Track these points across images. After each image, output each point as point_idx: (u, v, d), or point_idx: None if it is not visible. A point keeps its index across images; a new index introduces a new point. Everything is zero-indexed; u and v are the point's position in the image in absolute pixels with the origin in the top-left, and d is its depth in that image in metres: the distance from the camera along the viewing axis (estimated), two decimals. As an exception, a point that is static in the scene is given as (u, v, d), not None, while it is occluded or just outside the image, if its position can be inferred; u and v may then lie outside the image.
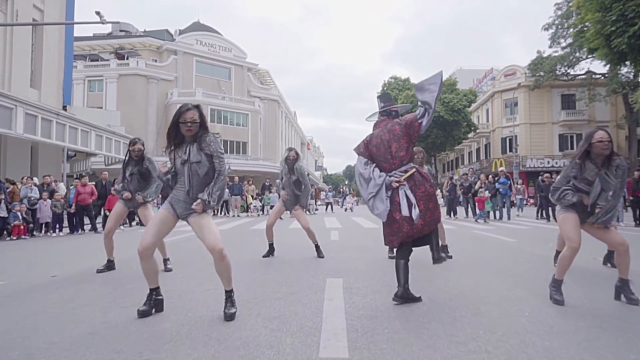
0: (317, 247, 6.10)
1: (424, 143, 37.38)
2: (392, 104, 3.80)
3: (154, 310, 3.18)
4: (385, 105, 3.77)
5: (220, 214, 18.57)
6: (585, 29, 14.91)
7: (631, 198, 12.42)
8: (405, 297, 3.39)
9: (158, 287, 3.24)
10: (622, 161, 3.45)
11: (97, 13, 12.29)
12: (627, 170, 3.52)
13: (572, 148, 36.96)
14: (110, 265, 5.24)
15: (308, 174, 6.00)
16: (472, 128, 39.24)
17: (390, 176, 3.47)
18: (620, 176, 3.39)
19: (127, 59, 41.51)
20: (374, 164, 3.58)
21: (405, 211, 3.35)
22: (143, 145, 5.10)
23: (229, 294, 3.13)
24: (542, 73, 35.04)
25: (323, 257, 5.87)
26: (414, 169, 3.50)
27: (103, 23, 12.71)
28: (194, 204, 3.07)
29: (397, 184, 3.42)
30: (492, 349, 2.42)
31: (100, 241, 5.56)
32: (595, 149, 3.38)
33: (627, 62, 13.23)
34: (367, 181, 3.51)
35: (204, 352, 2.36)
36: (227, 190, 17.94)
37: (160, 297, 3.25)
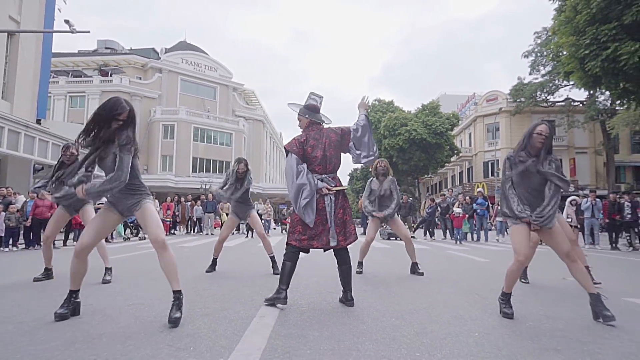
0: (272, 259, 5.80)
1: (407, 165, 37.42)
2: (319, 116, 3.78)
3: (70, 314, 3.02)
4: (317, 115, 3.74)
5: (193, 231, 18.01)
6: (561, 53, 15.06)
7: (607, 221, 12.32)
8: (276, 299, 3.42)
9: (79, 290, 3.12)
10: (556, 158, 3.34)
11: (67, 22, 11.98)
12: (560, 165, 3.37)
13: (552, 173, 37.37)
14: (48, 274, 5.03)
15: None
16: (455, 152, 39.45)
17: (321, 180, 3.48)
18: (553, 169, 3.26)
19: (111, 76, 41.20)
20: (305, 165, 3.47)
21: (330, 221, 3.42)
22: (77, 150, 4.81)
23: (176, 295, 2.96)
24: (522, 99, 35.59)
25: (278, 274, 5.49)
26: (347, 186, 3.58)
27: (73, 32, 12.38)
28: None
29: (327, 191, 3.45)
30: (424, 373, 2.08)
31: (65, 255, 5.13)
32: (532, 140, 3.30)
33: (602, 86, 13.33)
34: (300, 184, 3.35)
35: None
36: (200, 207, 17.45)
37: (78, 300, 3.13)
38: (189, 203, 17.84)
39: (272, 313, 3.24)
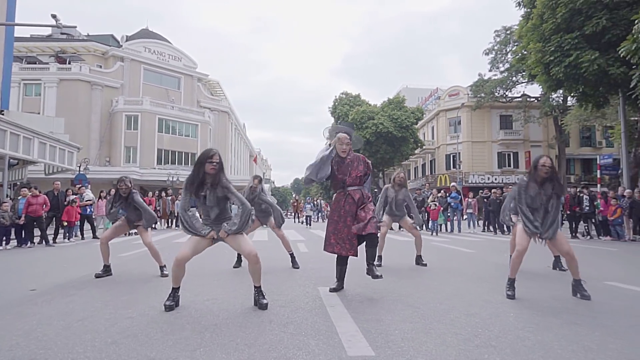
0: (292, 255, 6.38)
1: (373, 158, 38.48)
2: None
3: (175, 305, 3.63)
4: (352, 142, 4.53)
5: (175, 226, 18.08)
6: (526, 56, 16.25)
7: (568, 212, 13.61)
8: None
9: (179, 287, 3.72)
10: (559, 182, 4.20)
11: (54, 16, 11.74)
12: (563, 189, 4.31)
13: (509, 165, 39.58)
14: (107, 270, 5.54)
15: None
16: (419, 144, 40.92)
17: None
18: (556, 194, 4.14)
19: (69, 63, 39.56)
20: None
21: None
22: (130, 182, 5.61)
23: (258, 289, 3.72)
24: (483, 94, 37.40)
25: (298, 268, 6.06)
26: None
27: (60, 27, 12.13)
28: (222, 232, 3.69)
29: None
30: (496, 343, 2.72)
31: (65, 253, 5.44)
32: (538, 172, 4.15)
33: (564, 89, 14.59)
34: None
35: (237, 355, 2.46)
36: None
37: (179, 295, 3.72)
38: (170, 198, 17.89)
39: (337, 302, 3.81)
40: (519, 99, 37.53)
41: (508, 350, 2.60)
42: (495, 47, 35.60)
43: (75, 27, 19.04)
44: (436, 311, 3.55)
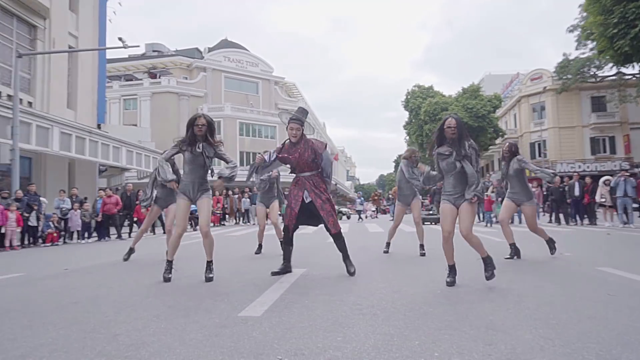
0: (281, 243, 6.55)
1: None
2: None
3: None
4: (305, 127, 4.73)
5: (242, 222, 19.40)
6: (592, 32, 14.93)
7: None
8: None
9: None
10: (472, 142, 3.85)
11: (120, 39, 13.51)
12: (478, 150, 3.94)
13: (604, 151, 35.96)
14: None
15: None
16: (499, 134, 38.80)
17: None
18: (472, 153, 3.78)
19: (160, 77, 43.66)
20: None
21: None
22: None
23: (209, 264, 4.31)
24: (569, 76, 34.43)
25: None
26: None
27: (125, 47, 13.92)
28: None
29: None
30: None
31: (126, 245, 6.37)
32: (445, 133, 3.83)
33: (633, 63, 13.17)
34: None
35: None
36: (247, 200, 18.77)
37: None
38: (237, 196, 19.22)
39: (288, 279, 4.20)
40: (613, 78, 33.91)
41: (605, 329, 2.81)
42: (581, 23, 32.53)
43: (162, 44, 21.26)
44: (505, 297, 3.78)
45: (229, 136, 42.35)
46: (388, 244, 6.70)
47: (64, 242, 11.52)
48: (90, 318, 2.92)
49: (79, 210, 11.78)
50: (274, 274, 4.48)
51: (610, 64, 31.26)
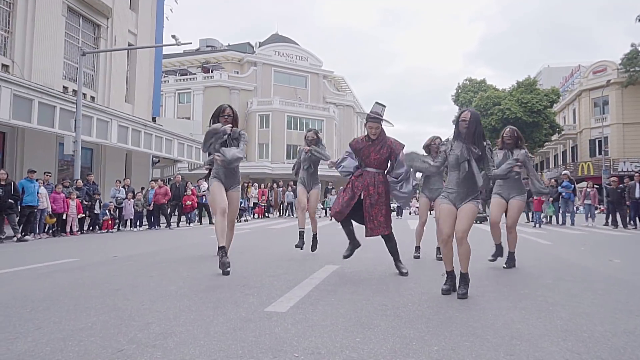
0: (314, 237, 6.27)
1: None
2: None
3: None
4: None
5: (285, 214, 19.73)
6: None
7: None
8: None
9: (224, 247, 4.57)
10: (489, 143, 3.64)
11: (173, 36, 14.10)
12: (492, 149, 3.71)
13: (675, 149, 33.32)
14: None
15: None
16: (556, 130, 36.86)
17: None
18: (486, 150, 3.60)
19: (212, 72, 44.97)
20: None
21: None
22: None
23: (223, 249, 4.46)
24: (637, 68, 32.10)
25: (314, 251, 6.17)
26: None
27: (178, 45, 14.49)
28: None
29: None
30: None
31: (173, 235, 6.72)
32: (459, 127, 3.61)
33: None
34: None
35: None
36: (291, 193, 19.04)
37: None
38: (281, 189, 19.56)
39: (319, 276, 4.27)
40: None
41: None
42: (652, 11, 30.13)
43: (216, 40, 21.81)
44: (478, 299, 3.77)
45: (277, 129, 43.04)
46: (418, 248, 5.96)
47: (118, 230, 12.26)
48: (128, 305, 3.13)
49: (132, 200, 12.46)
50: (345, 257, 4.74)
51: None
